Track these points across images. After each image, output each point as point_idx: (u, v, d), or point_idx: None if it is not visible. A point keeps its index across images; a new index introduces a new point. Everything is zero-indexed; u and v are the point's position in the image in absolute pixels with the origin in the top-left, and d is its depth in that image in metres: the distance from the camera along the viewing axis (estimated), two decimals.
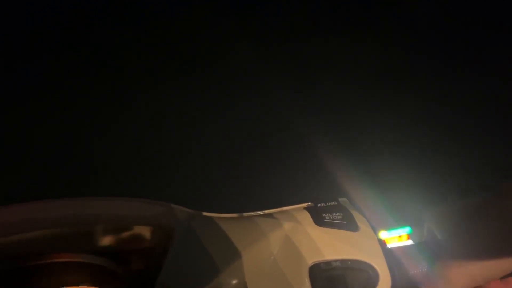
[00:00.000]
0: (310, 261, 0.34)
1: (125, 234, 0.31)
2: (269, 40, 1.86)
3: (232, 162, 1.62)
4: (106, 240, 0.31)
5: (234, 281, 0.33)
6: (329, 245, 0.35)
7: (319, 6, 1.89)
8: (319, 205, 0.38)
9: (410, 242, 0.70)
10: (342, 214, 0.37)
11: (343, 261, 0.34)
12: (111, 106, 1.68)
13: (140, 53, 1.80)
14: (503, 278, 0.34)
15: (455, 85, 1.77)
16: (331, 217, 0.36)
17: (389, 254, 0.37)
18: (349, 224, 0.36)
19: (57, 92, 1.66)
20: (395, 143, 1.70)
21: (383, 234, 1.54)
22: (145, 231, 0.32)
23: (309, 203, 0.38)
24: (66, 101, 1.66)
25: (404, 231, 1.64)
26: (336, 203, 0.38)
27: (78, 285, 0.28)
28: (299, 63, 1.84)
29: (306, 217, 0.37)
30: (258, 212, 0.38)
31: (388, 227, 1.58)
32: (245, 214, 0.37)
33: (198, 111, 1.73)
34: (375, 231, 0.38)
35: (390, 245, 0.39)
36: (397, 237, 1.65)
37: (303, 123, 1.68)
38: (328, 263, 0.34)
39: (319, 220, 0.36)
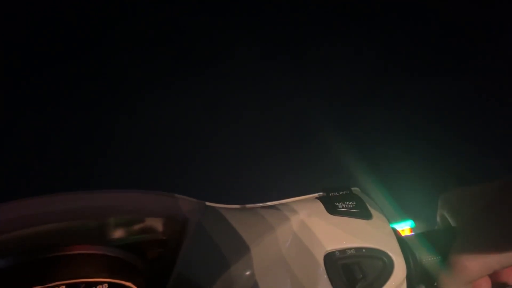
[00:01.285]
0: (325, 250, 0.34)
1: (139, 226, 0.31)
2: (271, 38, 1.86)
3: (239, 157, 1.62)
4: (121, 232, 0.31)
5: (247, 272, 0.33)
6: (342, 233, 0.35)
7: (320, 3, 1.89)
8: (331, 194, 0.38)
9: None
10: (355, 203, 0.37)
11: (357, 249, 0.34)
12: (116, 106, 1.68)
13: (142, 54, 1.80)
14: None
15: (460, 76, 1.77)
16: (344, 206, 0.36)
17: (403, 242, 0.37)
18: (362, 213, 0.36)
19: (61, 92, 1.66)
20: (400, 135, 1.70)
21: None
22: (159, 223, 0.32)
23: (321, 193, 0.38)
24: (70, 101, 1.66)
25: (407, 224, 1.64)
26: (348, 192, 0.38)
27: (95, 277, 0.28)
28: (304, 56, 1.84)
29: (319, 206, 0.36)
30: (270, 203, 0.38)
31: (391, 221, 1.57)
32: (259, 204, 0.37)
33: (204, 107, 1.73)
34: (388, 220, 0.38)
35: None
36: (400, 231, 1.65)
37: (311, 116, 1.68)
38: (342, 251, 0.34)
39: (332, 209, 0.36)
